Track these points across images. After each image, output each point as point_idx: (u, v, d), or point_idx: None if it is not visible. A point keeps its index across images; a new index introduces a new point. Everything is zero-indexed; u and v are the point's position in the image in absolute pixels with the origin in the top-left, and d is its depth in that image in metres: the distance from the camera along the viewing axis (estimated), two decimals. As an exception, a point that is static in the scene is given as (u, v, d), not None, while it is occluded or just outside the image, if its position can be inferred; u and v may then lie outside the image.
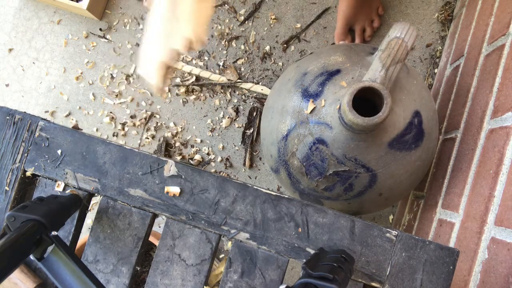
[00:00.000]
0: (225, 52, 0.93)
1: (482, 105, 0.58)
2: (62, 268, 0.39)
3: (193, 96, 0.93)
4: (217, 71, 0.93)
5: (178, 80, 0.93)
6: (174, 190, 0.46)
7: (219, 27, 0.93)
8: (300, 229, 0.44)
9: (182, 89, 0.92)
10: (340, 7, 0.85)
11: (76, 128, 0.49)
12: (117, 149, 0.47)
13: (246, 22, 0.93)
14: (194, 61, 0.94)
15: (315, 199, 0.62)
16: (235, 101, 0.92)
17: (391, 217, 0.87)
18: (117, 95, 0.94)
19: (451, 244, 0.55)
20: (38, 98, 0.97)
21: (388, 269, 0.42)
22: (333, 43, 0.90)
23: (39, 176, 0.48)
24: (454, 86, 0.72)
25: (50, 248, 0.40)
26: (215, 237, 0.46)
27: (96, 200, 0.91)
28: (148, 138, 0.92)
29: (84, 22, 0.97)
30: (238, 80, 0.91)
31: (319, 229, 0.44)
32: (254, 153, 0.91)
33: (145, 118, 0.93)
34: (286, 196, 0.45)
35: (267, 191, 0.45)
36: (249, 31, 0.93)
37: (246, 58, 0.92)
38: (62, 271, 0.39)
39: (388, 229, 0.43)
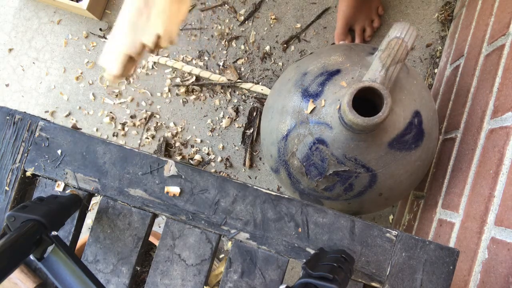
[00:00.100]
0: (225, 52, 0.93)
1: (482, 105, 0.58)
2: (62, 268, 0.39)
3: (193, 96, 0.93)
4: (217, 71, 0.93)
5: (178, 80, 0.93)
6: (174, 190, 0.46)
7: (219, 27, 0.93)
8: (300, 229, 0.44)
9: (182, 89, 0.92)
10: (340, 7, 0.85)
11: (75, 127, 0.49)
12: (117, 149, 0.47)
13: (246, 22, 0.93)
14: (194, 61, 0.94)
15: (315, 199, 0.62)
16: (235, 101, 0.92)
17: (391, 217, 0.87)
18: (117, 95, 0.94)
19: (451, 244, 0.55)
20: (38, 98, 0.97)
21: (388, 269, 0.42)
22: (333, 43, 0.90)
23: (39, 176, 0.48)
24: (454, 86, 0.72)
25: (50, 248, 0.40)
26: (215, 237, 0.46)
27: (96, 200, 0.91)
28: (148, 138, 0.92)
29: (84, 22, 0.97)
30: (238, 80, 0.91)
31: (319, 229, 0.44)
32: (254, 153, 0.91)
33: (145, 118, 0.93)
34: (286, 196, 0.45)
35: (267, 191, 0.45)
36: (249, 31, 0.93)
37: (246, 58, 0.92)
38: (62, 271, 0.39)
39: (388, 229, 0.43)
